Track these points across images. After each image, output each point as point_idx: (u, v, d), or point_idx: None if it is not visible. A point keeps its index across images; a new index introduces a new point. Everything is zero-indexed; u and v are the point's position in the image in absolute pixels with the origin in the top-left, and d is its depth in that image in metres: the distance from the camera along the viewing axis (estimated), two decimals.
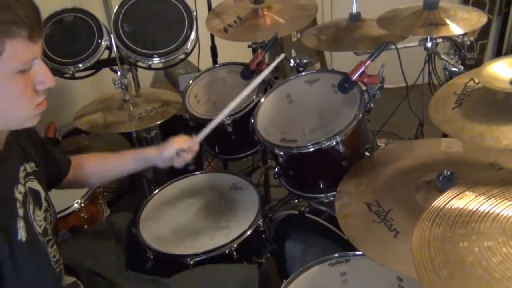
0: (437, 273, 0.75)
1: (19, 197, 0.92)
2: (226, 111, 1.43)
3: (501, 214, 0.81)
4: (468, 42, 1.64)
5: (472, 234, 0.79)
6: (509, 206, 0.82)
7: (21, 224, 0.90)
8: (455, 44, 1.64)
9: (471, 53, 1.64)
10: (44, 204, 1.04)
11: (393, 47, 1.48)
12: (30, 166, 1.02)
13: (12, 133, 0.96)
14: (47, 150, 1.18)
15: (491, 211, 0.82)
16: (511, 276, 0.69)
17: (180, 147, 1.32)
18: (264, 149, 1.93)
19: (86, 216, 1.67)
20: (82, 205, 1.65)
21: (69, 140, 2.18)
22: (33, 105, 0.87)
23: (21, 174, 0.97)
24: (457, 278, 0.73)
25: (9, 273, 0.86)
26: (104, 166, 1.35)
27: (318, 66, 3.47)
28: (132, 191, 2.37)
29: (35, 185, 1.02)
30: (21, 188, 0.94)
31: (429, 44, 1.47)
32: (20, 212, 0.91)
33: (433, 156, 1.36)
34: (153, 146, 1.37)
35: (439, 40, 1.66)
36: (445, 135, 1.43)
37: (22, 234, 0.89)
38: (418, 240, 0.83)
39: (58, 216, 1.57)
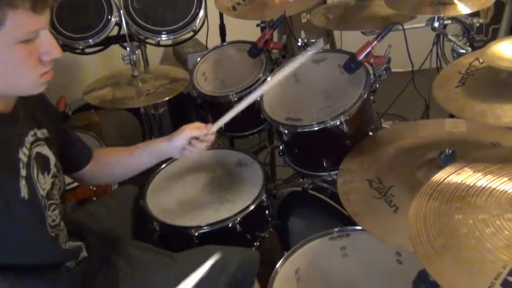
0: (431, 243, 0.78)
1: (23, 158, 0.96)
2: (249, 99, 1.31)
3: (497, 189, 0.83)
4: (477, 24, 1.63)
5: (467, 207, 0.81)
6: (505, 181, 0.84)
7: (23, 183, 0.93)
8: (464, 26, 1.64)
9: (480, 36, 1.64)
10: (54, 170, 1.07)
11: (400, 28, 1.49)
12: (41, 132, 1.05)
13: (23, 98, 0.99)
14: (64, 129, 1.21)
15: (487, 186, 0.84)
16: (502, 246, 0.72)
17: (193, 135, 1.24)
18: (270, 128, 1.96)
19: (94, 189, 1.71)
20: None
21: (78, 116, 2.22)
22: (38, 74, 0.90)
23: (29, 138, 1.01)
24: (450, 248, 0.76)
25: (6, 233, 0.91)
26: (120, 161, 1.30)
27: (327, 47, 3.46)
28: None
29: (44, 150, 1.05)
30: (25, 151, 0.98)
31: (436, 24, 1.47)
32: (23, 172, 0.94)
33: (437, 136, 1.37)
34: (164, 137, 1.28)
35: (448, 22, 1.67)
36: (451, 117, 1.45)
37: (24, 192, 0.93)
38: (415, 212, 0.85)
39: (68, 187, 1.62)
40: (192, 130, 1.24)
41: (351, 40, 2.07)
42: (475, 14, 1.77)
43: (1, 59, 0.84)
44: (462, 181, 0.88)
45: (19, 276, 0.99)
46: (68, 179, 1.57)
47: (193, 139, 1.24)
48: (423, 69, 1.84)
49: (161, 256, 1.27)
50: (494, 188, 0.83)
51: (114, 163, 1.30)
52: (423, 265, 0.76)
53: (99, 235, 1.27)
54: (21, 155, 0.96)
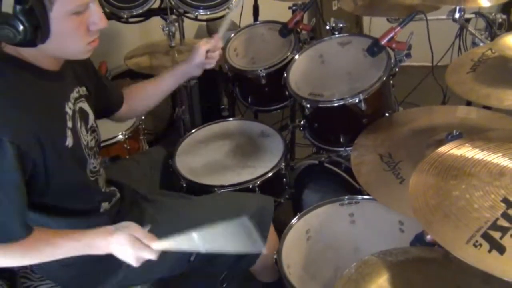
0: (427, 202, 0.89)
1: (69, 111, 1.09)
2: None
3: (491, 161, 0.94)
4: (500, 20, 1.70)
5: (463, 175, 0.92)
6: (499, 156, 0.95)
7: (69, 133, 1.07)
8: (487, 20, 1.71)
9: (502, 31, 1.71)
10: (93, 123, 1.22)
11: (424, 18, 1.57)
12: (82, 90, 1.19)
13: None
14: (102, 83, 1.35)
15: (483, 159, 0.95)
16: (487, 206, 0.83)
17: (207, 48, 1.43)
18: (293, 106, 2.07)
19: (128, 148, 1.86)
20: (126, 136, 1.84)
21: (115, 83, 2.37)
22: (86, 42, 1.02)
23: (74, 95, 1.15)
24: (443, 206, 0.87)
25: (55, 177, 1.04)
26: (147, 91, 1.48)
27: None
28: (168, 135, 2.56)
29: (85, 106, 1.19)
30: (70, 105, 1.11)
31: (457, 15, 1.55)
32: (69, 124, 1.08)
33: (449, 121, 1.46)
34: (182, 61, 1.49)
35: (471, 16, 1.74)
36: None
37: (69, 141, 1.07)
38: (416, 178, 0.97)
39: (104, 144, 1.78)
40: (205, 44, 1.44)
41: (379, 27, 2.14)
42: (507, 11, 1.83)
43: (55, 29, 0.95)
44: (461, 154, 0.99)
45: (65, 216, 1.14)
46: (104, 137, 1.72)
47: (208, 52, 1.43)
48: (443, 64, 1.91)
49: (183, 199, 1.41)
50: (489, 161, 0.94)
51: (144, 96, 1.48)
52: (417, 219, 0.87)
53: (130, 185, 1.42)
54: (67, 109, 1.09)
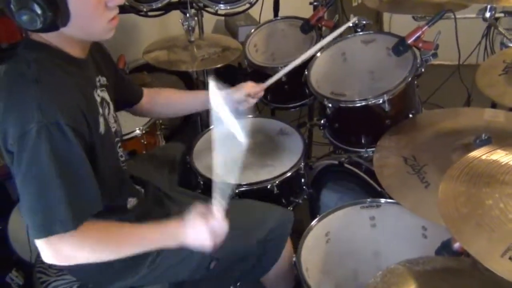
0: (458, 210, 0.86)
1: (98, 99, 1.09)
2: (297, 61, 1.52)
3: None
4: None
5: (495, 183, 0.88)
6: None
7: (101, 120, 1.07)
8: None
9: None
10: (113, 113, 1.21)
11: (451, 16, 1.53)
12: (103, 79, 1.19)
13: (91, 47, 1.11)
14: (120, 75, 1.34)
15: None
16: None
17: (249, 92, 1.46)
18: (312, 105, 2.04)
19: (145, 143, 1.84)
20: (143, 132, 1.82)
21: (133, 76, 2.35)
22: (106, 20, 1.01)
23: (97, 84, 1.14)
24: (475, 215, 0.83)
25: (100, 159, 1.04)
26: (174, 100, 1.49)
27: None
28: (185, 130, 2.55)
29: (106, 96, 1.18)
30: (99, 92, 1.11)
31: (488, 14, 1.50)
32: (100, 110, 1.08)
33: (475, 123, 1.41)
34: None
35: (500, 15, 1.69)
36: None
37: (102, 128, 1.06)
38: (445, 184, 0.93)
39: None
40: (249, 88, 1.47)
41: (400, 24, 2.10)
42: None
43: (74, 9, 0.94)
44: (494, 160, 0.95)
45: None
46: (122, 131, 1.71)
47: (248, 95, 1.44)
48: (469, 64, 1.86)
49: (206, 203, 1.38)
50: None
51: (165, 102, 1.48)
52: (446, 227, 0.84)
53: (152, 182, 1.40)
54: (96, 96, 1.09)
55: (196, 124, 2.19)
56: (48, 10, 0.90)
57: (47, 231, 0.94)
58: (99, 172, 1.04)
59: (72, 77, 1.02)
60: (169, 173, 1.57)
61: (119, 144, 1.20)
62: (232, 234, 1.28)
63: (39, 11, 0.90)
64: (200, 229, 1.05)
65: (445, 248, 1.05)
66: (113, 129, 1.16)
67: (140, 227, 1.05)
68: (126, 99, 1.39)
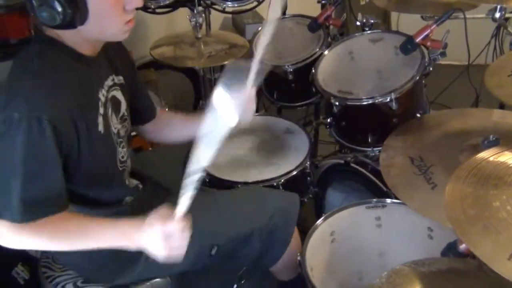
0: (465, 212, 0.85)
1: (102, 98, 1.10)
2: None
3: None
4: None
5: (503, 185, 0.87)
6: None
7: (100, 119, 1.07)
8: None
9: None
10: (124, 113, 1.21)
11: (460, 16, 1.51)
12: (118, 79, 1.19)
13: (106, 46, 1.12)
14: (140, 86, 1.33)
15: None
16: None
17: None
18: (318, 103, 2.03)
19: None
20: None
21: (140, 72, 2.34)
22: (123, 22, 1.02)
23: (108, 82, 1.14)
24: (482, 217, 0.82)
25: (86, 161, 1.04)
26: (178, 129, 1.41)
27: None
28: None
29: (118, 95, 1.18)
30: (104, 92, 1.11)
31: (497, 15, 1.48)
32: (101, 110, 1.08)
33: (483, 124, 1.40)
34: None
35: (511, 15, 1.67)
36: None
37: (101, 127, 1.07)
38: (452, 185, 0.92)
39: None
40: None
41: (408, 24, 2.07)
42: None
43: (93, 9, 0.96)
44: (501, 162, 0.93)
45: (88, 205, 1.13)
46: None
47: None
48: (478, 64, 1.84)
49: (205, 194, 1.34)
50: None
51: (172, 126, 1.42)
52: (453, 230, 0.83)
53: (153, 177, 1.40)
54: (100, 95, 1.09)
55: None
56: (68, 8, 0.93)
57: None
58: (84, 169, 1.05)
59: (75, 75, 1.03)
60: (173, 169, 1.56)
61: (122, 144, 1.18)
62: (232, 219, 1.28)
63: (59, 9, 0.92)
64: (154, 234, 0.99)
65: (451, 249, 1.04)
66: (116, 130, 1.15)
67: (98, 224, 1.04)
68: (135, 113, 1.32)
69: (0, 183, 0.96)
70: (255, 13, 2.52)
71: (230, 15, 2.66)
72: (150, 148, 1.84)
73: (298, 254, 1.21)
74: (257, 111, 2.24)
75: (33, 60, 0.98)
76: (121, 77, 1.20)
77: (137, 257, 1.18)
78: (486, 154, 0.98)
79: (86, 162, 1.05)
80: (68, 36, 1.02)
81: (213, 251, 1.24)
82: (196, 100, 2.54)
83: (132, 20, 1.04)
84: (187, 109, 2.63)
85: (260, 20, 2.53)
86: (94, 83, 1.10)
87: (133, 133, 1.77)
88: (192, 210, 1.28)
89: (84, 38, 1.03)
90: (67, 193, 1.03)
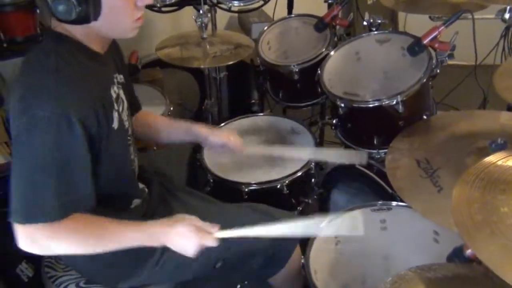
0: (472, 217, 0.83)
1: (113, 94, 1.10)
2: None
3: None
4: None
5: (511, 190, 0.86)
6: None
7: (116, 115, 1.07)
8: None
9: None
10: (127, 112, 1.20)
11: (469, 17, 1.49)
12: (120, 77, 1.19)
13: (110, 44, 1.12)
14: (128, 80, 1.31)
15: None
16: None
17: (226, 142, 1.36)
18: (324, 104, 2.02)
19: None
20: None
21: (145, 71, 2.35)
22: (133, 18, 1.02)
23: (116, 80, 1.15)
24: (489, 223, 0.81)
25: (104, 156, 1.04)
26: (159, 127, 1.43)
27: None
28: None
29: (121, 94, 1.18)
30: (115, 88, 1.12)
31: (507, 15, 1.47)
32: (115, 106, 1.09)
33: (491, 127, 1.39)
34: (206, 126, 1.40)
35: None
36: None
37: (115, 123, 1.07)
38: (459, 189, 0.90)
39: None
40: (228, 138, 1.37)
41: (415, 24, 2.05)
42: None
43: (106, 4, 0.96)
44: (510, 167, 0.92)
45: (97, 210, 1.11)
46: None
47: (224, 145, 1.36)
48: (486, 64, 1.82)
49: (213, 205, 1.37)
50: None
51: (154, 127, 1.42)
52: (459, 234, 0.82)
53: (159, 180, 1.39)
54: (112, 92, 1.10)
55: (207, 122, 2.18)
56: (83, 2, 0.93)
57: (27, 218, 0.95)
58: (102, 167, 1.05)
59: (91, 71, 1.03)
60: (177, 170, 1.56)
61: (131, 143, 1.19)
62: None
63: (75, 2, 0.92)
64: (188, 237, 1.05)
65: (456, 254, 1.03)
66: (126, 127, 1.15)
67: (122, 225, 1.05)
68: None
69: (32, 185, 0.94)
70: (261, 12, 2.51)
71: (236, 14, 2.65)
72: (155, 148, 1.83)
73: (302, 257, 1.20)
74: (262, 110, 2.26)
75: (50, 57, 0.97)
76: (122, 76, 1.20)
77: (143, 263, 1.18)
78: (493, 158, 0.96)
79: (105, 159, 1.05)
80: (78, 33, 1.02)
81: (218, 265, 1.24)
82: (201, 99, 2.53)
83: (141, 17, 1.05)
84: (192, 108, 2.63)
85: (266, 19, 2.52)
86: (106, 79, 1.10)
87: None
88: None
89: (94, 35, 1.03)
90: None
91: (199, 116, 2.44)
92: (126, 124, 1.16)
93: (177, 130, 1.42)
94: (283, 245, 1.30)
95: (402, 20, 3.31)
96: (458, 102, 2.27)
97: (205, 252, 1.16)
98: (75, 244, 1.02)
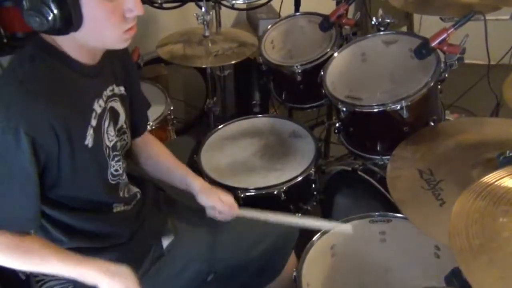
0: (469, 241, 0.77)
1: (98, 109, 1.04)
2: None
3: None
4: None
5: None
6: None
7: (90, 132, 1.01)
8: None
9: None
10: (123, 125, 1.15)
11: (481, 18, 1.41)
12: (119, 89, 1.13)
13: (107, 53, 1.06)
14: (137, 95, 1.24)
15: None
16: None
17: (218, 206, 1.23)
18: (330, 104, 1.95)
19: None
20: (153, 127, 1.78)
21: (149, 68, 2.31)
22: (121, 30, 0.95)
23: (107, 92, 1.08)
24: (488, 249, 0.75)
25: (67, 173, 0.99)
26: (158, 163, 1.33)
27: (404, 30, 3.31)
28: (199, 124, 2.50)
29: (117, 106, 1.12)
30: (101, 102, 1.05)
31: None
32: (93, 122, 1.02)
33: (501, 136, 1.31)
34: (202, 181, 1.29)
35: None
36: None
37: (89, 141, 1.01)
38: (459, 207, 0.84)
39: None
40: (219, 202, 1.23)
41: (430, 24, 1.95)
42: None
43: (87, 16, 0.90)
44: None
45: (76, 213, 1.08)
46: None
47: (214, 208, 1.24)
48: (501, 64, 1.73)
49: (206, 221, 1.27)
50: None
51: (154, 161, 1.32)
52: (456, 260, 0.76)
53: (154, 184, 1.35)
54: (95, 106, 1.03)
55: (210, 120, 2.13)
56: (58, 14, 0.87)
57: None
58: (64, 184, 1.00)
59: (65, 83, 0.97)
60: None
61: (117, 158, 1.12)
62: (232, 248, 1.23)
63: (48, 14, 0.86)
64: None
65: (455, 275, 0.96)
66: (111, 143, 1.09)
67: (58, 258, 0.99)
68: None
69: None
70: (270, 7, 2.44)
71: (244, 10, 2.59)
72: None
73: (294, 270, 1.15)
74: (267, 111, 2.20)
75: (23, 65, 0.93)
76: (122, 88, 1.14)
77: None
78: (499, 174, 0.90)
79: (66, 175, 1.00)
80: (64, 42, 0.96)
81: (209, 278, 1.20)
82: (206, 96, 2.48)
83: (133, 28, 0.98)
84: (197, 105, 2.59)
85: (275, 15, 2.45)
86: (89, 93, 1.03)
87: None
88: (193, 234, 1.25)
89: (79, 45, 0.97)
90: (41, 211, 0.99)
91: (203, 114, 2.40)
92: (114, 139, 1.10)
93: (174, 176, 1.31)
94: (276, 255, 1.26)
95: (418, 17, 3.21)
96: (471, 104, 2.18)
97: (195, 263, 1.13)
98: (11, 263, 0.98)
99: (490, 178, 0.89)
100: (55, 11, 0.86)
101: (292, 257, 1.31)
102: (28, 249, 0.98)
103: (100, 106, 1.05)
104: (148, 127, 1.76)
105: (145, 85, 2.00)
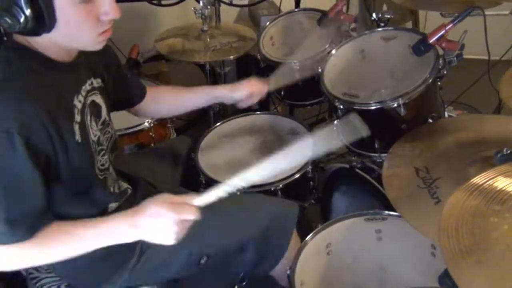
0: (459, 241, 0.76)
1: (78, 105, 1.03)
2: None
3: None
4: None
5: (505, 212, 0.78)
6: None
7: (76, 127, 1.01)
8: None
9: None
10: (105, 118, 1.16)
11: (481, 13, 1.38)
12: (96, 82, 1.13)
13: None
14: (122, 75, 1.28)
15: None
16: None
17: (251, 91, 1.41)
18: (330, 100, 1.93)
19: (153, 136, 1.79)
20: (152, 125, 1.77)
21: (150, 65, 2.32)
22: (96, 33, 0.96)
23: (86, 87, 1.08)
24: (477, 250, 0.73)
25: (64, 170, 0.99)
26: (178, 98, 1.44)
27: (409, 26, 3.28)
28: (200, 122, 2.49)
29: (98, 99, 1.13)
30: (81, 98, 1.05)
31: None
32: (77, 118, 1.02)
33: (500, 134, 1.29)
34: (226, 85, 1.45)
35: None
36: None
37: (78, 136, 1.01)
38: (450, 206, 0.83)
39: (129, 131, 1.74)
40: (251, 87, 1.42)
41: (436, 20, 1.92)
42: None
43: (61, 18, 0.89)
44: (507, 184, 0.83)
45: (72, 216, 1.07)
46: (128, 124, 1.68)
47: (249, 95, 1.41)
48: (503, 59, 1.70)
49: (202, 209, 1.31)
50: None
51: (172, 101, 1.44)
52: (445, 261, 0.75)
53: (146, 179, 1.35)
54: (76, 102, 1.03)
55: (210, 118, 2.12)
56: (30, 16, 0.86)
57: None
58: (62, 182, 1.00)
59: (45, 82, 0.96)
60: (172, 169, 1.52)
61: (102, 152, 1.12)
62: (224, 228, 1.22)
63: (20, 16, 0.85)
64: (166, 220, 0.95)
65: (448, 276, 0.95)
66: (95, 137, 1.09)
67: (90, 227, 0.99)
68: (127, 98, 1.34)
69: None
70: (271, 3, 2.44)
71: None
72: (152, 145, 1.79)
73: (288, 268, 1.14)
74: (267, 109, 2.18)
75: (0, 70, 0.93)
76: (99, 79, 1.14)
77: (122, 265, 1.15)
78: (494, 172, 0.88)
79: (64, 173, 1.00)
80: (38, 42, 0.95)
81: (202, 261, 1.19)
82: None
83: (108, 30, 0.98)
84: None
85: (276, 10, 2.43)
86: (68, 90, 1.03)
87: (135, 129, 1.76)
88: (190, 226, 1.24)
89: (53, 45, 0.97)
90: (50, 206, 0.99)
91: (206, 112, 2.40)
92: (97, 133, 1.10)
93: (195, 95, 1.43)
94: (274, 236, 1.24)
95: (423, 13, 3.17)
96: (474, 100, 2.15)
97: (185, 248, 1.12)
98: (39, 258, 0.99)
99: (482, 177, 0.87)
100: (27, 12, 0.85)
101: (295, 238, 1.29)
102: (59, 235, 0.98)
103: (80, 101, 1.04)
104: (147, 124, 1.77)
105: (145, 83, 1.99)
